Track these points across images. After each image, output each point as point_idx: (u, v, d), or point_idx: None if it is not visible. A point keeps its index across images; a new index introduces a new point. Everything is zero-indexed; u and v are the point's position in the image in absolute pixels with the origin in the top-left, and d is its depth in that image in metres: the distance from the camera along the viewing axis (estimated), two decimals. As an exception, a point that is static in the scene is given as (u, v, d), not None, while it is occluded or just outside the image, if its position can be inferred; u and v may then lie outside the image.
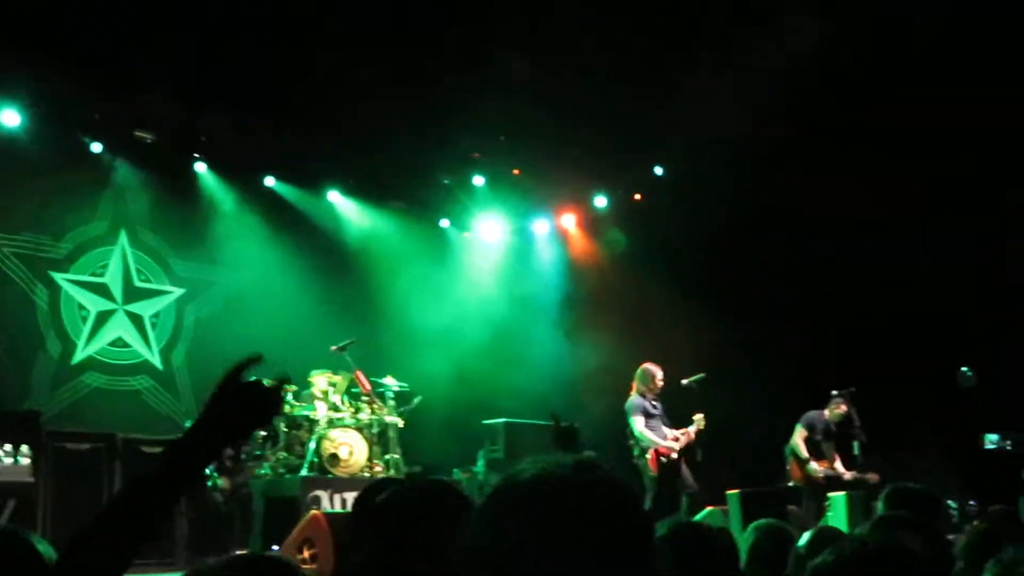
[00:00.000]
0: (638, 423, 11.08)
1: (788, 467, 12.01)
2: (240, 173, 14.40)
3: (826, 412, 12.01)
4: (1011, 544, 3.84)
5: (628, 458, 11.23)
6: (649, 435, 11.02)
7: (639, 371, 11.35)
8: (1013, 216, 12.19)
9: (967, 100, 11.46)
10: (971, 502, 10.45)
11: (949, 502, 10.08)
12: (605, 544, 1.37)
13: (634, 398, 11.22)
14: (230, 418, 2.00)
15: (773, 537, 4.50)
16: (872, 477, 11.53)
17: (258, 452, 11.45)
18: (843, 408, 11.87)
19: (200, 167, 14.20)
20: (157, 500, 1.92)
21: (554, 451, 4.27)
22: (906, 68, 11.92)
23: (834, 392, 12.01)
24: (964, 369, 12.03)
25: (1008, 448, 4.33)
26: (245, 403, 2.00)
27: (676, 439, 11.13)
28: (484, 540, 1.41)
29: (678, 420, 11.46)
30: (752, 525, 4.68)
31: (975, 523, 5.29)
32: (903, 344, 13.01)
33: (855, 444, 11.77)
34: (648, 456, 11.04)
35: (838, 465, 11.89)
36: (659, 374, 11.26)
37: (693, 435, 11.17)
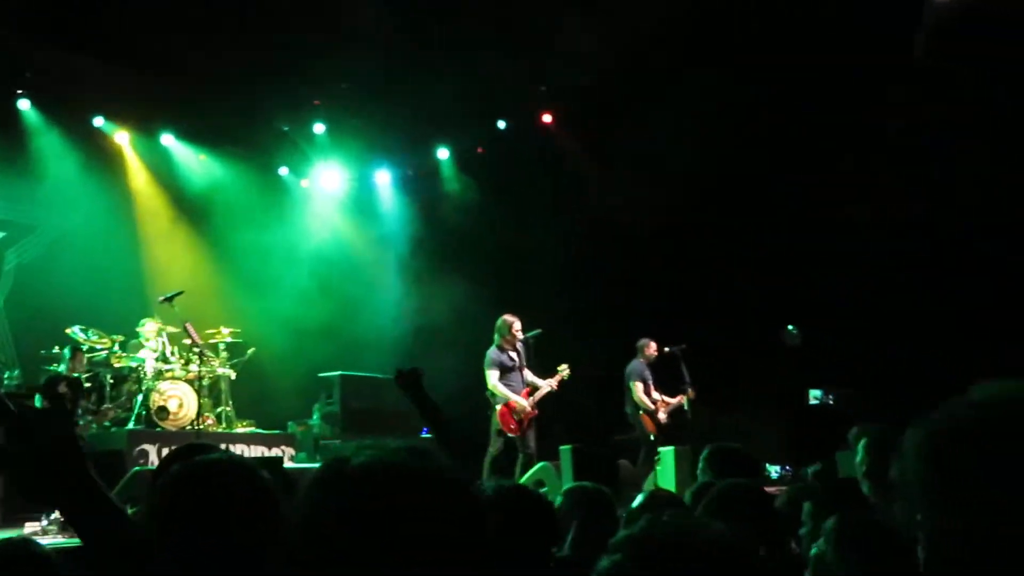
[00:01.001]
0: (492, 377, 11.03)
1: (640, 424, 12.20)
2: (68, 112, 13.67)
3: (642, 359, 12.28)
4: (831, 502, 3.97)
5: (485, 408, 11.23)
6: (502, 389, 10.98)
7: (497, 322, 11.28)
8: (847, 181, 12.59)
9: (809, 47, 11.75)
10: (786, 467, 10.86)
11: (768, 466, 10.46)
12: (430, 536, 1.32)
13: (491, 351, 11.14)
14: None
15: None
16: (689, 392, 11.91)
17: (91, 408, 11.00)
18: (652, 348, 12.18)
19: (24, 104, 13.44)
20: None
21: (402, 396, 4.17)
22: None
23: (645, 340, 12.29)
24: (790, 327, 12.47)
25: (830, 403, 4.49)
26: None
27: (530, 392, 11.10)
28: (308, 523, 1.35)
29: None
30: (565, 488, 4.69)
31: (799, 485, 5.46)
32: (732, 304, 13.38)
33: (685, 400, 12.08)
34: (498, 408, 11.03)
35: (664, 397, 12.23)
36: (516, 324, 11.19)
37: (556, 386, 11.18)
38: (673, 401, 12.23)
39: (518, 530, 3.61)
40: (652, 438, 11.99)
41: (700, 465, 4.94)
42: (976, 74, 10.67)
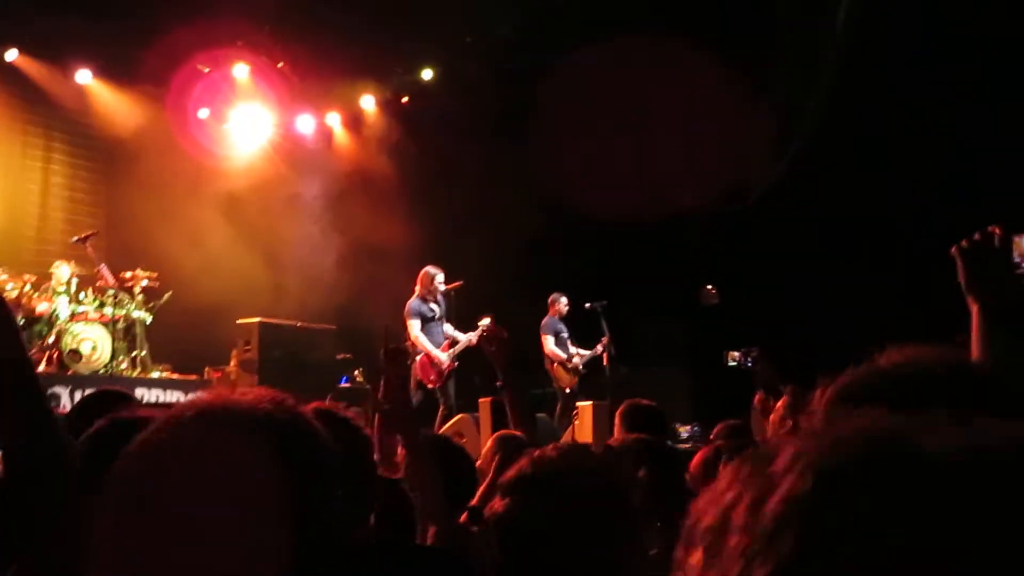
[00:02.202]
0: (413, 327, 11.04)
1: (554, 376, 12.33)
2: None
3: (555, 314, 12.42)
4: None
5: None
6: (422, 340, 11.01)
7: (422, 272, 11.29)
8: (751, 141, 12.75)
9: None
10: (695, 427, 11.06)
11: (679, 426, 10.62)
12: None
13: (412, 301, 11.17)
14: None
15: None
16: (605, 343, 12.07)
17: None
18: (563, 303, 12.33)
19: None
20: None
21: (383, 370, 4.22)
22: None
23: (555, 295, 12.42)
24: (708, 286, 12.64)
25: (748, 365, 4.60)
26: None
27: (451, 344, 11.13)
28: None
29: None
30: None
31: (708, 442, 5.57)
32: (651, 261, 13.52)
33: (605, 356, 12.22)
34: (418, 359, 11.05)
35: (580, 350, 12.37)
36: (439, 276, 11.23)
37: (475, 340, 11.20)
38: (587, 353, 12.37)
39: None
40: (567, 391, 12.13)
41: (616, 421, 5.05)
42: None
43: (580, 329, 12.59)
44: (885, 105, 11.99)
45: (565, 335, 12.45)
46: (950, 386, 1.41)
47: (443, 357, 11.07)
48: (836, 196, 12.19)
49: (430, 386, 11.04)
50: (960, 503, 0.63)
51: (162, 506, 1.27)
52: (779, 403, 4.55)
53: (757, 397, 5.11)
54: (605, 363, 12.26)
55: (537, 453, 2.16)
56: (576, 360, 12.35)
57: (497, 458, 4.27)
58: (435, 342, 11.12)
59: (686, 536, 0.73)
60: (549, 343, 12.34)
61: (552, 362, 12.35)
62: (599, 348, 12.28)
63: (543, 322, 12.48)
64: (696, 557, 0.71)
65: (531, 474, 2.13)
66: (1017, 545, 0.61)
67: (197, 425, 1.33)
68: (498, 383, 4.85)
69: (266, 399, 1.39)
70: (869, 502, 0.64)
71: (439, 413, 10.90)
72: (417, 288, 11.24)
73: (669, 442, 5.76)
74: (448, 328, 11.29)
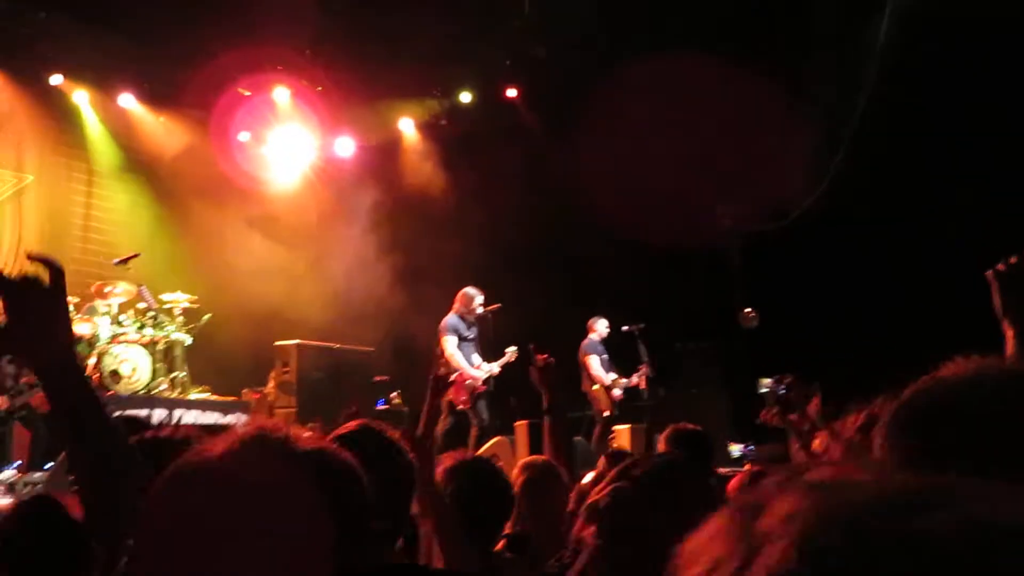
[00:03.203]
0: (449, 343, 11.03)
1: (593, 399, 12.25)
2: (24, 67, 13.44)
3: (595, 335, 12.34)
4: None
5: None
6: (458, 358, 10.99)
7: (461, 292, 11.30)
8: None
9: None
10: (750, 445, 10.93)
11: (732, 447, 10.51)
12: None
13: (450, 317, 11.16)
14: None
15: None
16: (645, 370, 12.01)
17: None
18: (603, 325, 12.23)
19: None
20: None
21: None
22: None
23: (596, 318, 12.34)
24: (747, 309, 12.54)
25: (782, 392, 4.53)
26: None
27: (478, 367, 11.14)
28: None
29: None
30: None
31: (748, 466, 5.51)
32: (690, 282, 13.43)
33: (644, 379, 12.15)
34: (452, 379, 11.03)
35: (621, 378, 12.28)
36: (478, 299, 11.23)
37: (498, 370, 11.20)
38: (629, 380, 12.27)
39: (475, 502, 3.63)
40: (606, 415, 12.05)
41: (660, 446, 4.97)
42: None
43: (617, 352, 12.52)
44: (924, 124, 11.88)
45: (606, 358, 12.38)
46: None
47: (478, 375, 11.07)
48: (877, 215, 12.09)
49: (460, 407, 11.02)
50: None
51: (206, 534, 1.29)
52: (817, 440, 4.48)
53: (763, 413, 5.04)
54: (643, 386, 12.18)
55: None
56: (617, 391, 12.19)
57: (521, 484, 4.24)
58: (469, 363, 11.11)
59: None
60: (595, 364, 12.21)
61: (592, 384, 12.26)
62: (635, 379, 12.18)
63: (583, 344, 12.38)
64: None
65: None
66: None
67: (244, 456, 1.34)
68: (545, 406, 4.88)
69: (308, 436, 1.41)
70: None
71: (472, 434, 10.87)
72: (456, 306, 11.24)
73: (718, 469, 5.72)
74: (476, 357, 11.27)
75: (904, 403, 1.44)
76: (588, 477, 4.27)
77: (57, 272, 1.95)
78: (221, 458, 1.35)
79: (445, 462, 3.87)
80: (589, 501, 3.86)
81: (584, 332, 12.50)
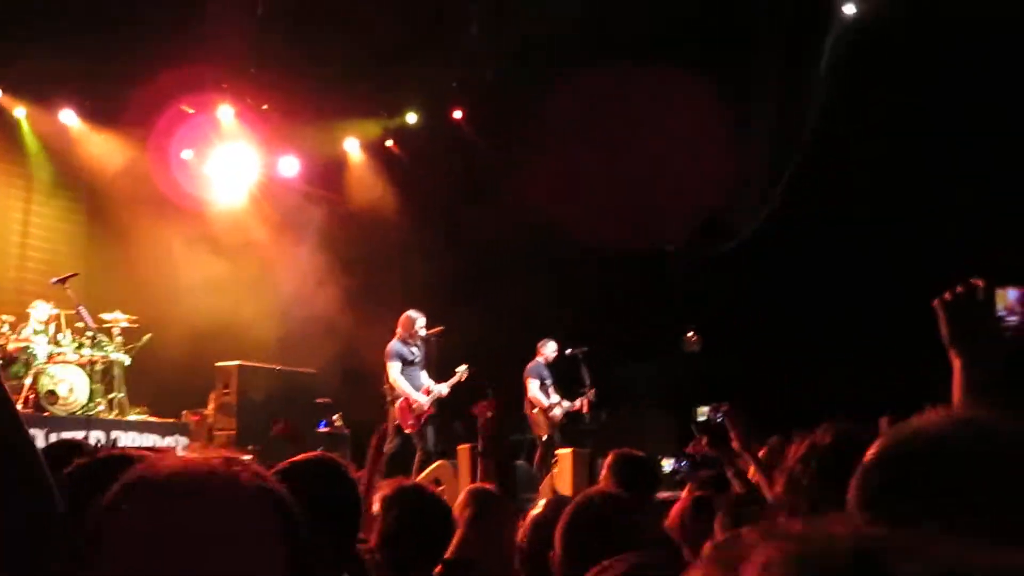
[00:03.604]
0: (393, 369, 11.01)
1: (533, 423, 12.25)
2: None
3: (541, 359, 12.39)
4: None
5: (375, 401, 11.18)
6: (403, 384, 10.97)
7: (402, 316, 11.27)
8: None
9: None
10: (683, 463, 10.97)
11: (664, 462, 10.54)
12: None
13: (394, 343, 11.13)
14: None
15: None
16: (589, 395, 12.01)
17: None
18: (551, 348, 12.28)
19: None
20: None
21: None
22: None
23: (545, 341, 12.38)
24: (690, 333, 12.63)
25: (719, 420, 4.56)
26: None
27: (428, 391, 11.12)
28: None
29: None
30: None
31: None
32: (633, 303, 13.51)
33: (586, 403, 12.18)
34: (397, 404, 10.99)
35: (562, 400, 12.29)
36: (420, 321, 11.20)
37: (446, 391, 11.18)
38: (568, 405, 12.27)
39: (414, 528, 3.60)
40: (544, 438, 12.07)
41: (603, 472, 4.95)
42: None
43: (560, 374, 12.54)
44: (873, 143, 12.04)
45: (549, 381, 12.41)
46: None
47: (422, 400, 11.03)
48: (824, 239, 12.23)
49: (408, 431, 10.98)
50: None
51: (171, 556, 1.24)
52: (751, 465, 4.50)
53: (692, 446, 5.07)
54: (585, 410, 12.21)
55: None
56: (557, 412, 12.23)
57: (468, 512, 4.22)
58: (415, 385, 11.08)
59: None
60: (533, 388, 12.27)
61: (532, 407, 12.28)
62: (577, 403, 12.22)
63: (528, 366, 12.42)
64: None
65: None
66: None
67: (209, 474, 1.31)
68: (480, 448, 5.00)
69: (251, 468, 1.37)
70: None
71: (416, 459, 10.82)
72: (398, 331, 11.22)
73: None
74: (424, 377, 11.26)
75: (877, 454, 1.43)
76: (539, 506, 4.23)
77: None
78: (185, 473, 1.31)
79: (383, 489, 3.86)
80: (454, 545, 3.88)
81: (532, 354, 12.52)
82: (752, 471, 4.68)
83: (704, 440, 4.91)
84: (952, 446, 1.35)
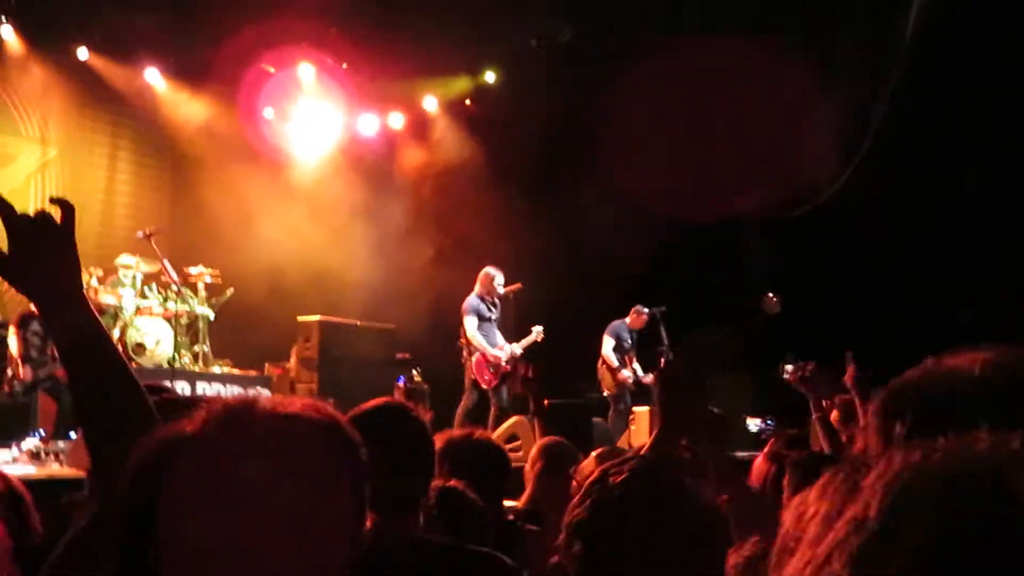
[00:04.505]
0: (471, 324, 11.04)
1: (600, 377, 12.31)
2: (51, 41, 13.47)
3: (628, 320, 12.38)
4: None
5: (455, 357, 11.28)
6: (479, 339, 11.00)
7: (482, 273, 11.30)
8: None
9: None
10: (768, 421, 10.91)
11: (750, 422, 10.49)
12: None
13: (471, 299, 11.16)
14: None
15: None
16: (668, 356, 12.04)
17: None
18: (643, 316, 12.25)
19: (6, 31, 13.21)
20: None
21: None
22: None
23: (639, 307, 12.37)
24: (770, 294, 12.52)
25: (806, 376, 4.56)
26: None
27: (501, 348, 11.16)
28: None
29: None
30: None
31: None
32: (712, 267, 13.40)
33: (662, 361, 12.14)
34: (474, 359, 11.05)
35: (637, 368, 12.29)
36: (498, 278, 11.20)
37: (520, 352, 11.21)
38: (643, 377, 12.21)
39: (469, 477, 3.65)
40: (612, 396, 12.10)
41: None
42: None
43: (640, 334, 12.54)
44: (951, 108, 11.78)
45: (628, 344, 12.38)
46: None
47: (500, 356, 11.07)
48: (902, 202, 12.01)
49: (484, 386, 11.04)
50: None
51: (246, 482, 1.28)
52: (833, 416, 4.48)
53: (816, 415, 5.01)
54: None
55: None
56: (626, 374, 12.19)
57: (539, 465, 4.27)
58: (490, 342, 11.11)
59: (776, 549, 0.74)
60: (607, 346, 12.28)
61: (603, 363, 12.29)
62: (650, 378, 12.14)
63: (611, 324, 12.43)
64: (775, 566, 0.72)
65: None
66: None
67: (273, 422, 1.35)
68: (532, 410, 5.29)
69: (326, 411, 1.42)
70: (937, 539, 0.62)
71: (491, 414, 10.89)
72: (477, 287, 11.25)
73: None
74: (499, 335, 11.28)
75: (899, 384, 1.44)
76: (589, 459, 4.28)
77: (69, 211, 1.95)
78: (275, 409, 1.35)
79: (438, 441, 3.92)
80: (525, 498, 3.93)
81: (612, 317, 12.55)
82: (834, 416, 4.70)
83: (808, 367, 4.91)
84: (982, 381, 1.36)
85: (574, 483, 4.11)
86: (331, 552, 1.31)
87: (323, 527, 1.30)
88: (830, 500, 0.70)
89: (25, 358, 10.10)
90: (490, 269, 11.25)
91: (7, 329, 10.35)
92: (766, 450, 4.71)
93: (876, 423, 1.43)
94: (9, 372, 10.18)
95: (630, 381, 12.21)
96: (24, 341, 10.11)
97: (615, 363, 12.22)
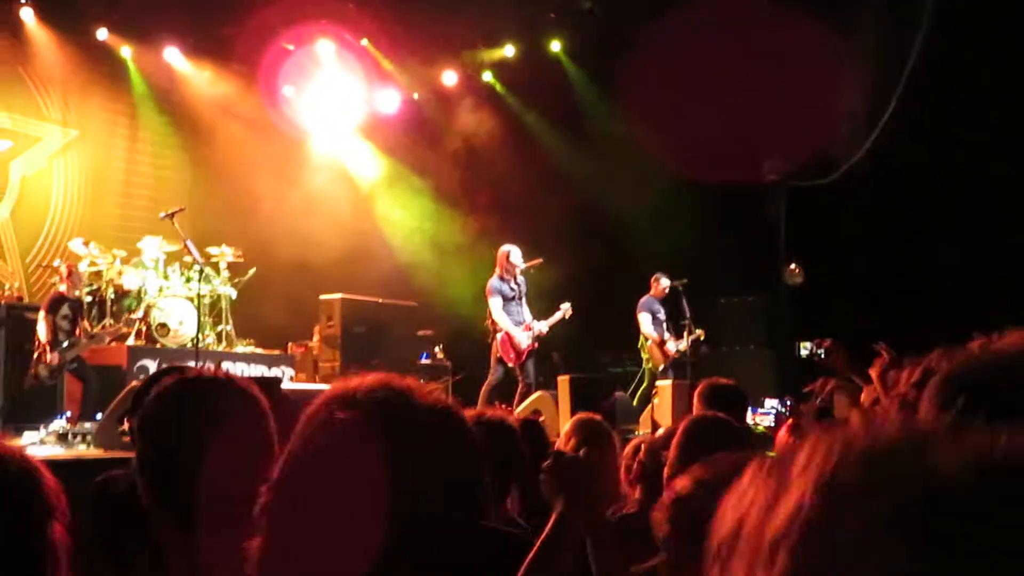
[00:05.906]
0: (495, 306, 11.00)
1: (646, 356, 12.19)
2: (71, 22, 13.50)
3: (653, 292, 12.29)
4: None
5: (485, 336, 11.27)
6: (504, 321, 10.96)
7: (499, 252, 11.24)
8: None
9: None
10: (787, 400, 10.85)
11: (768, 401, 10.43)
12: None
13: (493, 280, 11.11)
14: None
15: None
16: (698, 334, 11.96)
17: (88, 332, 10.91)
18: (664, 284, 12.17)
19: (27, 14, 13.25)
20: None
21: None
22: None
23: (659, 275, 12.29)
24: (792, 265, 12.43)
25: (821, 356, 4.51)
26: None
27: (529, 328, 11.12)
28: None
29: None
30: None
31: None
32: (734, 238, 13.31)
33: (692, 338, 12.08)
34: (500, 337, 11.03)
35: (677, 340, 12.22)
36: (513, 253, 11.12)
37: (546, 329, 11.18)
38: (679, 347, 12.13)
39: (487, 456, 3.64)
40: (659, 370, 12.00)
41: (695, 402, 4.98)
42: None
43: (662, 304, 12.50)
44: (977, 81, 11.64)
45: (662, 316, 12.30)
46: None
47: (524, 336, 11.04)
48: (927, 172, 11.89)
49: (510, 364, 11.04)
50: (966, 529, 0.61)
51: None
52: (864, 394, 4.44)
53: (818, 383, 5.00)
54: (696, 343, 12.12)
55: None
56: (671, 346, 12.11)
57: (574, 441, 4.27)
58: (515, 320, 11.07)
59: (714, 545, 0.73)
60: (645, 322, 12.15)
61: (647, 340, 12.20)
62: (683, 344, 12.05)
63: (641, 300, 12.34)
64: (716, 566, 0.72)
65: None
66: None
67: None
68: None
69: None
70: (870, 523, 0.63)
71: (518, 390, 10.89)
72: (496, 268, 11.22)
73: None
74: (526, 312, 11.24)
75: (956, 367, 1.43)
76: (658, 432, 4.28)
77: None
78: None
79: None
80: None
81: (635, 287, 12.48)
82: (865, 397, 4.66)
83: (825, 343, 4.88)
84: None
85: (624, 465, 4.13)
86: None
87: None
88: (764, 492, 0.70)
89: (54, 343, 10.17)
90: (506, 246, 11.18)
91: (37, 314, 10.42)
92: (789, 422, 4.71)
93: (930, 409, 1.43)
94: (36, 356, 10.24)
95: (673, 352, 12.07)
96: (53, 326, 10.18)
97: (660, 336, 12.11)
